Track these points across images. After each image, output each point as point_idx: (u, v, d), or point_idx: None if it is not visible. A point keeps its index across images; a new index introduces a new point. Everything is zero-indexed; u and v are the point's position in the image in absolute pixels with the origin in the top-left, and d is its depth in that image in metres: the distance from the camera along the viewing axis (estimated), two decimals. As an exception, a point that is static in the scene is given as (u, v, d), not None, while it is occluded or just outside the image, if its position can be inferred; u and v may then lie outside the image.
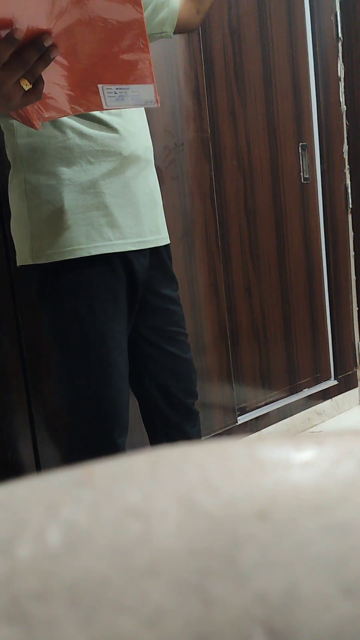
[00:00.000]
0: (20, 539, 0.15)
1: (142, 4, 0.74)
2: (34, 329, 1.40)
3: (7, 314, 1.37)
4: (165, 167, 1.66)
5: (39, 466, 1.43)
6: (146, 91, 0.84)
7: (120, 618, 0.13)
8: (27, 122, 0.85)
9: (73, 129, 1.00)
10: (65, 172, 1.00)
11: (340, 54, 2.19)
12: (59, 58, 0.76)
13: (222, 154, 1.85)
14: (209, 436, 1.81)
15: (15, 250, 1.08)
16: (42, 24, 0.71)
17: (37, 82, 0.76)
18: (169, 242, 1.17)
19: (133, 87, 0.83)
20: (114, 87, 0.82)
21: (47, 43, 0.72)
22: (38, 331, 1.40)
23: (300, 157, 2.10)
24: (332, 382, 2.28)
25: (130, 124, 1.06)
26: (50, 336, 1.06)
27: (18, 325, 1.38)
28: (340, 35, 2.18)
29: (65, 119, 0.99)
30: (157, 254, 1.13)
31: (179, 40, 1.68)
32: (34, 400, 1.41)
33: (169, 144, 1.67)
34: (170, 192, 1.66)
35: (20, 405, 1.40)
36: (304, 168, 2.11)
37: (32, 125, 0.85)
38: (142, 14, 0.75)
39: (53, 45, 0.74)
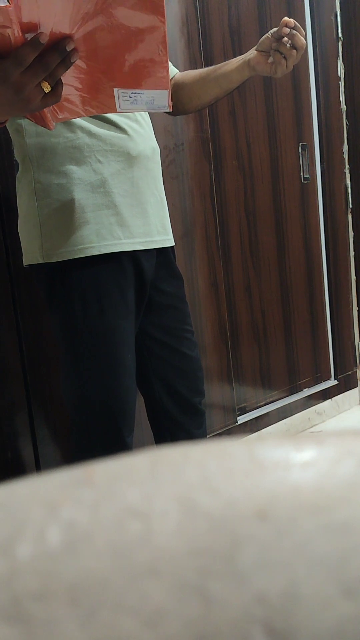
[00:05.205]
0: (20, 539, 0.15)
1: (165, 14, 0.75)
2: (35, 329, 1.40)
3: (8, 314, 1.37)
4: (165, 167, 1.66)
5: (39, 466, 1.43)
6: (160, 96, 0.84)
7: (120, 618, 0.13)
8: (42, 122, 0.85)
9: (82, 129, 1.01)
10: (75, 171, 1.01)
11: (340, 54, 2.19)
12: (77, 61, 0.77)
13: (222, 154, 1.85)
14: (209, 436, 1.80)
15: (14, 250, 1.08)
16: (65, 28, 0.71)
17: (57, 85, 0.76)
18: (174, 244, 1.17)
19: (148, 92, 0.83)
20: (129, 92, 0.82)
21: (70, 47, 0.73)
22: (38, 331, 1.40)
23: (300, 157, 2.10)
24: (332, 382, 2.28)
25: (137, 125, 1.07)
26: (59, 334, 1.06)
27: (18, 325, 1.38)
28: (340, 35, 2.18)
29: (74, 119, 0.99)
30: (164, 253, 1.14)
31: (179, 40, 1.68)
32: (34, 400, 1.41)
33: (169, 144, 1.67)
34: (170, 192, 1.66)
35: (20, 405, 1.40)
36: (304, 168, 2.11)
37: (46, 126, 0.85)
38: (164, 24, 0.75)
39: (74, 49, 0.74)
